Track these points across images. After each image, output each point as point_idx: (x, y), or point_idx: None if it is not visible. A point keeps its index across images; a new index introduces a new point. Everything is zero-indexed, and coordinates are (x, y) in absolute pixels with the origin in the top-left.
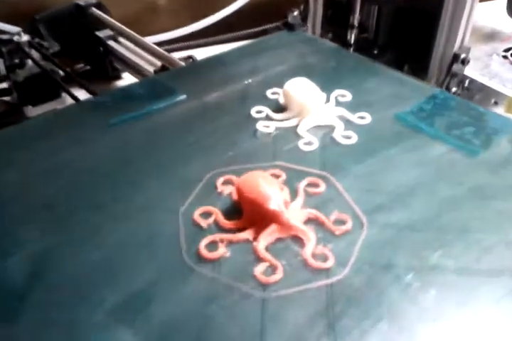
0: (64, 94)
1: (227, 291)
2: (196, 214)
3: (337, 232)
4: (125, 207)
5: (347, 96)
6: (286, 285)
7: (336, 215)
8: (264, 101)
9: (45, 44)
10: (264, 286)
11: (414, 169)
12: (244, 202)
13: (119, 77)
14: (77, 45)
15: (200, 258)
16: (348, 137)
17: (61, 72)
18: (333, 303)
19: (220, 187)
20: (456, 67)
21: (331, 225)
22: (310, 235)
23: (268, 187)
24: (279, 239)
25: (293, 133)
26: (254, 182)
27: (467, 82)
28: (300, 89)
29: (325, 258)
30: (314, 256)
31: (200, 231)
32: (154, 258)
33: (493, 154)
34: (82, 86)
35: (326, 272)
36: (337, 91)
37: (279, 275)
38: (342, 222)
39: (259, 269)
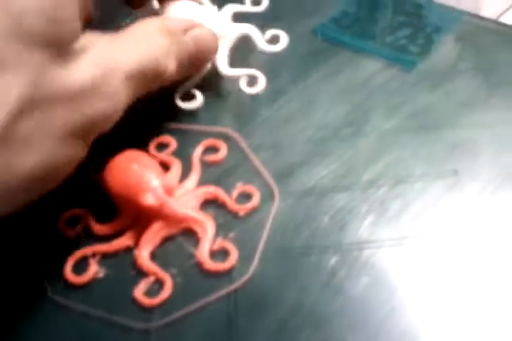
0: None
1: (102, 328)
2: (61, 222)
3: (241, 212)
4: None
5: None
6: (177, 306)
7: (239, 189)
8: None
9: None
10: (149, 312)
11: (339, 101)
12: (115, 196)
13: None
14: None
15: (69, 287)
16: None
17: None
18: (237, 316)
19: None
20: None
21: (233, 204)
22: (206, 225)
23: (140, 172)
24: (169, 239)
25: None
26: (122, 167)
27: None
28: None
29: (226, 255)
30: (213, 254)
31: (68, 246)
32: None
33: (436, 62)
34: None
35: (229, 273)
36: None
37: (166, 292)
38: (247, 197)
39: (140, 288)
